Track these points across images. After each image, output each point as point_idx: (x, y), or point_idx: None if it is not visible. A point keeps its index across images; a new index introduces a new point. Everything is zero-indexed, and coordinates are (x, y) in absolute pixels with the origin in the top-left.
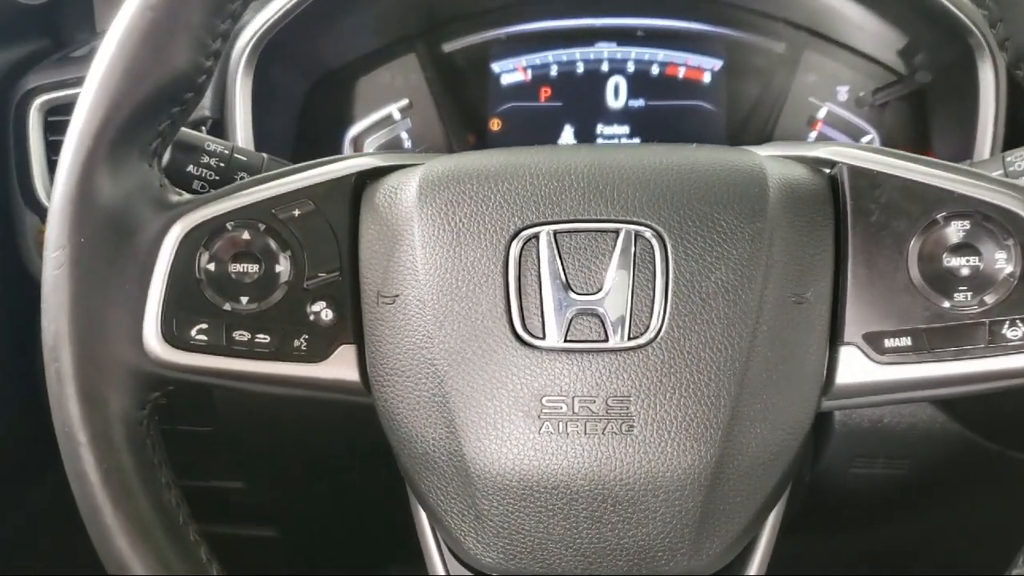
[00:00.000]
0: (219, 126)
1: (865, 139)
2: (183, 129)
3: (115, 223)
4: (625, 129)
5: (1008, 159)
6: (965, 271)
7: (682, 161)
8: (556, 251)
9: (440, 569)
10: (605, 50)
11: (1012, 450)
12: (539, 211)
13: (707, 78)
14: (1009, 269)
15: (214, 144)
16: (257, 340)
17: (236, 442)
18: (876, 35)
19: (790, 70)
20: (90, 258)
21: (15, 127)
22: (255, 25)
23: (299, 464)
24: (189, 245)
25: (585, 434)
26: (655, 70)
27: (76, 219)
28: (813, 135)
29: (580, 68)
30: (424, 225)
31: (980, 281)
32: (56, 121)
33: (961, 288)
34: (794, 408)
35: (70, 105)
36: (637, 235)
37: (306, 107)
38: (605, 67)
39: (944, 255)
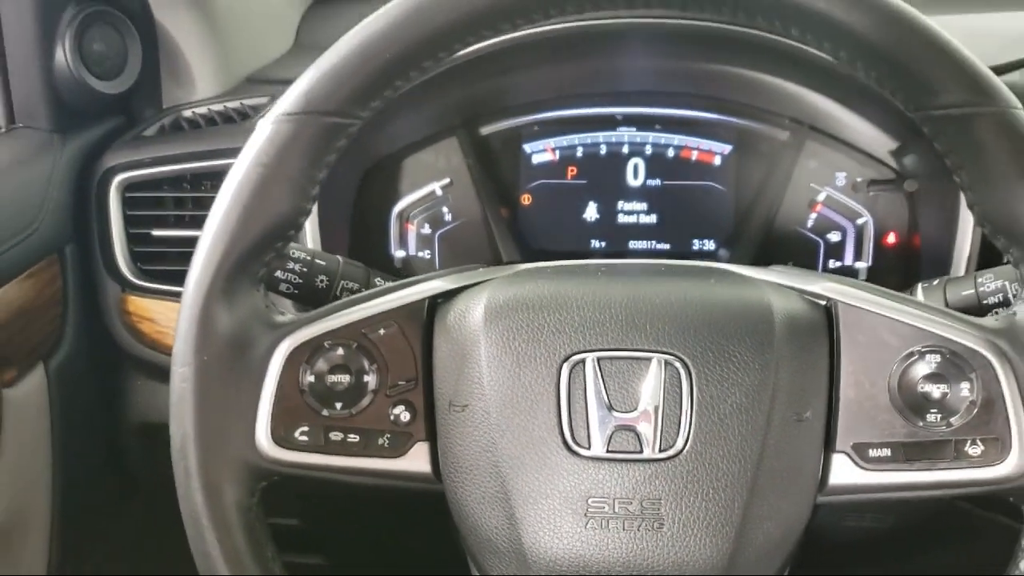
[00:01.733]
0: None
1: (859, 221)
2: None
3: (231, 343)
4: (643, 206)
5: (979, 280)
6: (936, 396)
7: (704, 296)
8: (599, 374)
9: None
10: (626, 134)
11: (979, 510)
12: (586, 340)
13: (717, 161)
14: (972, 397)
15: (297, 252)
16: (348, 440)
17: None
18: (870, 135)
19: (793, 157)
20: (210, 373)
21: (97, 203)
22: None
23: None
24: (294, 361)
25: (624, 530)
26: (670, 153)
27: (199, 342)
28: (813, 216)
29: (603, 150)
30: (489, 347)
31: (948, 405)
32: (133, 197)
33: (932, 410)
34: (795, 506)
35: (145, 183)
36: (667, 363)
37: (360, 189)
38: (625, 149)
39: (919, 382)
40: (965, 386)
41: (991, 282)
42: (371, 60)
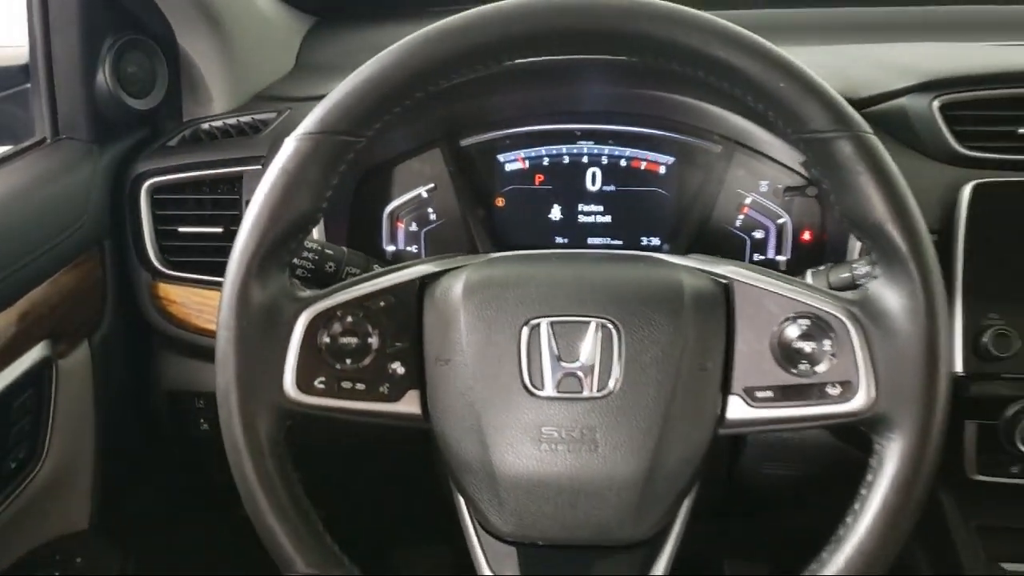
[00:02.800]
0: None
1: (779, 221)
2: None
3: (264, 312)
4: (600, 208)
5: (854, 265)
6: (806, 350)
7: (633, 276)
8: (551, 334)
9: (473, 537)
10: (585, 147)
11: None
12: (541, 309)
13: (662, 170)
14: (831, 350)
15: (310, 243)
16: (356, 387)
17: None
18: (783, 150)
19: (724, 167)
20: (248, 335)
21: (130, 204)
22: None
23: (351, 456)
24: (313, 326)
25: (569, 451)
26: (623, 163)
27: (239, 310)
28: (741, 217)
29: (566, 160)
30: (466, 315)
31: (814, 357)
32: (160, 199)
33: (803, 361)
34: (699, 435)
35: (171, 186)
36: (602, 326)
37: (357, 191)
38: (585, 160)
39: (793, 340)
40: (827, 342)
41: (862, 267)
42: (373, 92)
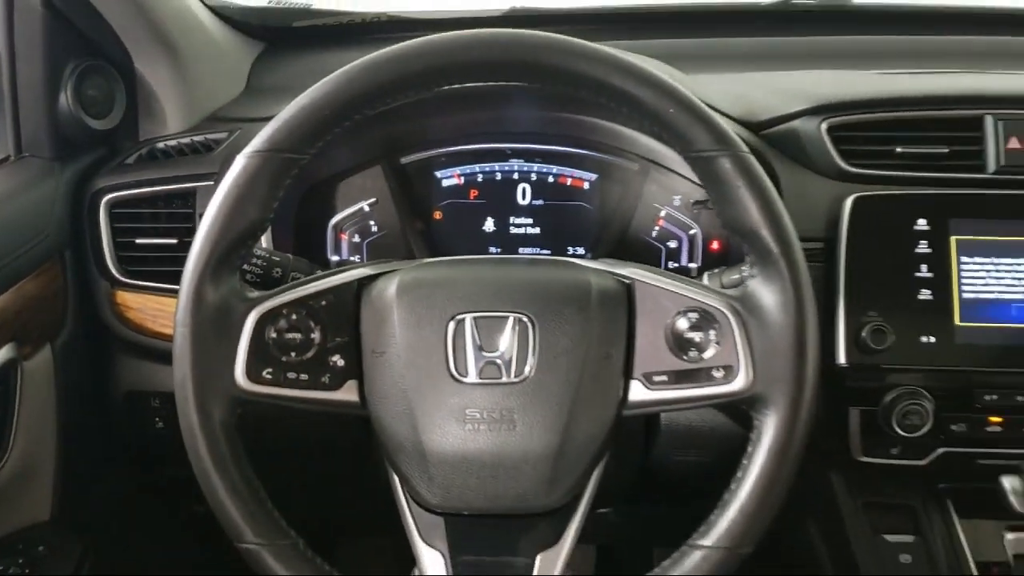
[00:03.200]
0: None
1: (691, 232)
2: None
3: (216, 311)
4: (530, 220)
5: (743, 267)
6: (695, 339)
7: (547, 277)
8: (475, 327)
9: (406, 510)
10: (516, 165)
11: None
12: (466, 305)
13: (586, 185)
14: (716, 339)
15: (258, 251)
16: (300, 378)
17: None
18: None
19: (641, 182)
20: (202, 332)
21: (89, 217)
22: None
23: (293, 451)
24: (261, 324)
25: (490, 431)
26: (550, 179)
27: (194, 309)
28: (657, 228)
29: (498, 176)
30: (399, 311)
31: (702, 345)
32: (118, 212)
33: (692, 349)
34: (605, 414)
35: (128, 201)
36: (519, 320)
37: (302, 204)
38: (516, 176)
39: (684, 331)
40: (712, 332)
41: (746, 269)
42: (315, 114)
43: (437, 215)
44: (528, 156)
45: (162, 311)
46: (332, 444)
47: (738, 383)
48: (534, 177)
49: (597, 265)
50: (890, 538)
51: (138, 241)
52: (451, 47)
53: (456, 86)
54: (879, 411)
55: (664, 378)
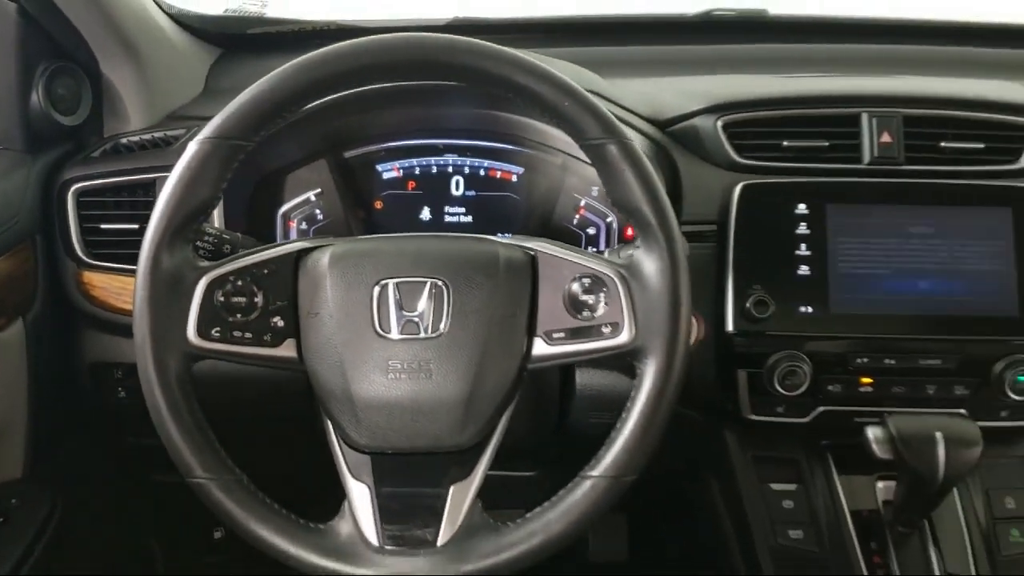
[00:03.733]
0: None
1: (608, 219)
2: None
3: (171, 277)
4: (463, 210)
5: (635, 243)
6: (588, 301)
7: (461, 248)
8: (397, 291)
9: (338, 450)
10: (450, 159)
11: (681, 407)
12: (389, 272)
13: (514, 178)
14: (605, 301)
15: (211, 230)
16: (245, 336)
17: None
18: None
19: (563, 175)
20: (158, 295)
21: (58, 204)
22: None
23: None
24: (210, 288)
25: (409, 379)
26: (482, 172)
27: (151, 276)
28: (577, 216)
29: (434, 170)
30: (331, 277)
31: (593, 306)
32: (84, 200)
33: (585, 310)
34: (510, 365)
35: (94, 190)
36: (435, 284)
37: (254, 194)
38: (450, 169)
39: (579, 293)
40: (602, 295)
41: (634, 242)
42: (258, 107)
43: (378, 204)
44: (461, 151)
45: (124, 289)
46: (276, 408)
47: (623, 337)
48: (467, 170)
49: (507, 240)
50: (775, 486)
51: (102, 226)
52: (378, 49)
53: (388, 84)
54: (763, 373)
55: (562, 335)
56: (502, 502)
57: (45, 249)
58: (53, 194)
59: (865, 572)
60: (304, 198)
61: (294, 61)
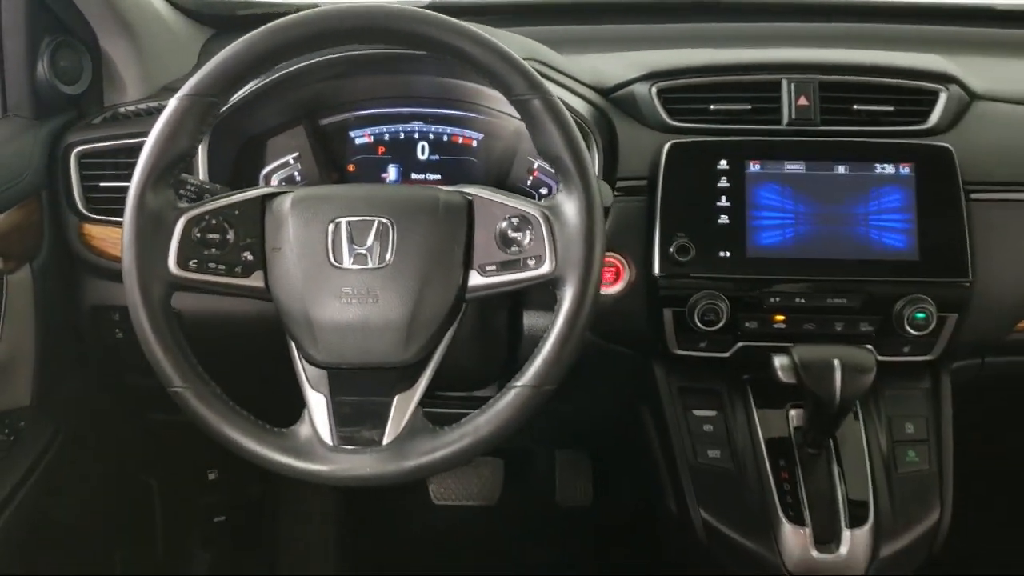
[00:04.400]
0: (191, 168)
1: (559, 182)
2: None
3: (154, 215)
4: (428, 173)
5: (557, 187)
6: (516, 238)
7: (407, 193)
8: (349, 228)
9: (299, 366)
10: (416, 126)
11: (614, 344)
12: (342, 211)
13: (474, 143)
14: (531, 237)
15: (192, 180)
16: (219, 267)
17: None
18: None
19: (518, 140)
20: (143, 231)
21: (62, 165)
22: None
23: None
24: (188, 226)
25: (360, 304)
26: (445, 138)
27: (136, 214)
28: (531, 179)
29: (402, 136)
30: (292, 217)
31: (520, 242)
32: (86, 162)
33: (514, 245)
34: (448, 293)
35: (94, 153)
36: (381, 222)
37: (238, 157)
38: (416, 135)
39: (508, 231)
40: (528, 232)
41: (557, 186)
42: (230, 68)
43: (351, 168)
44: (426, 119)
45: (121, 240)
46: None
47: (545, 268)
48: (431, 136)
49: (448, 187)
50: (697, 413)
51: (101, 184)
52: (332, 15)
53: (357, 53)
54: (686, 311)
55: (493, 267)
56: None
57: (50, 204)
58: (58, 156)
59: (774, 486)
60: (283, 161)
61: (260, 28)
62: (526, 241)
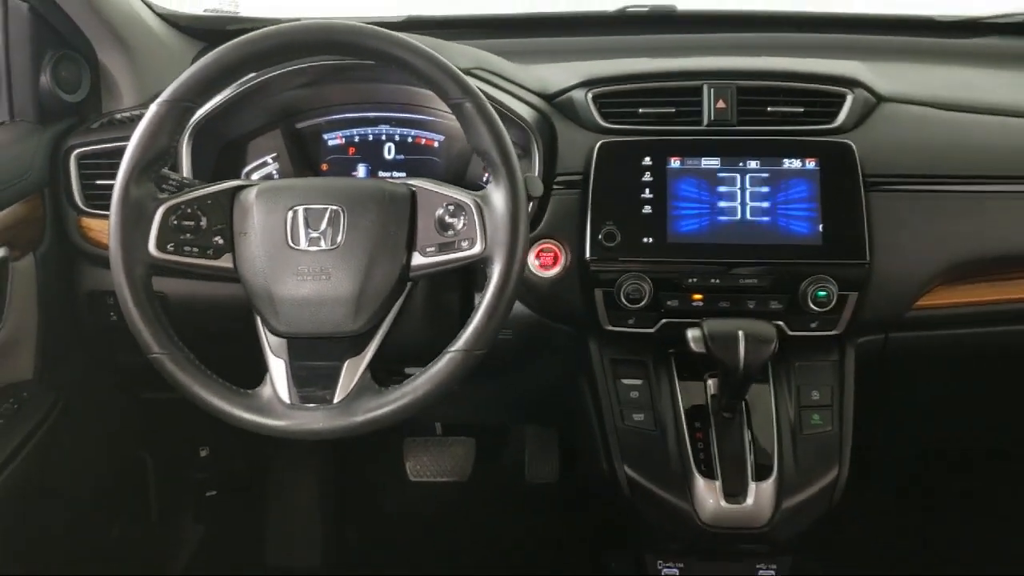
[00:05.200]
0: (176, 166)
1: None
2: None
3: (136, 204)
4: (393, 171)
5: (487, 179)
6: (452, 223)
7: (357, 184)
8: (305, 215)
9: (263, 335)
10: (384, 128)
11: (555, 322)
12: (300, 200)
13: (436, 144)
14: (464, 222)
15: (174, 176)
16: (193, 250)
17: None
18: None
19: None
20: (127, 218)
21: (63, 165)
22: (193, 119)
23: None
24: (167, 214)
25: (314, 280)
26: (410, 139)
27: (121, 204)
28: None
29: (370, 137)
30: (257, 206)
31: (455, 226)
32: (84, 162)
33: (450, 230)
34: (392, 273)
35: (92, 154)
36: (334, 209)
37: (219, 157)
38: (383, 137)
39: (445, 217)
40: (462, 217)
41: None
42: (202, 77)
43: (324, 167)
44: (392, 122)
45: None
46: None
47: (476, 248)
48: (397, 138)
49: (395, 180)
50: (625, 381)
51: (97, 182)
52: (292, 31)
53: (310, 60)
54: (614, 291)
55: (432, 249)
56: None
57: (52, 200)
58: (59, 157)
59: (690, 446)
60: (262, 161)
61: (228, 43)
62: (460, 226)
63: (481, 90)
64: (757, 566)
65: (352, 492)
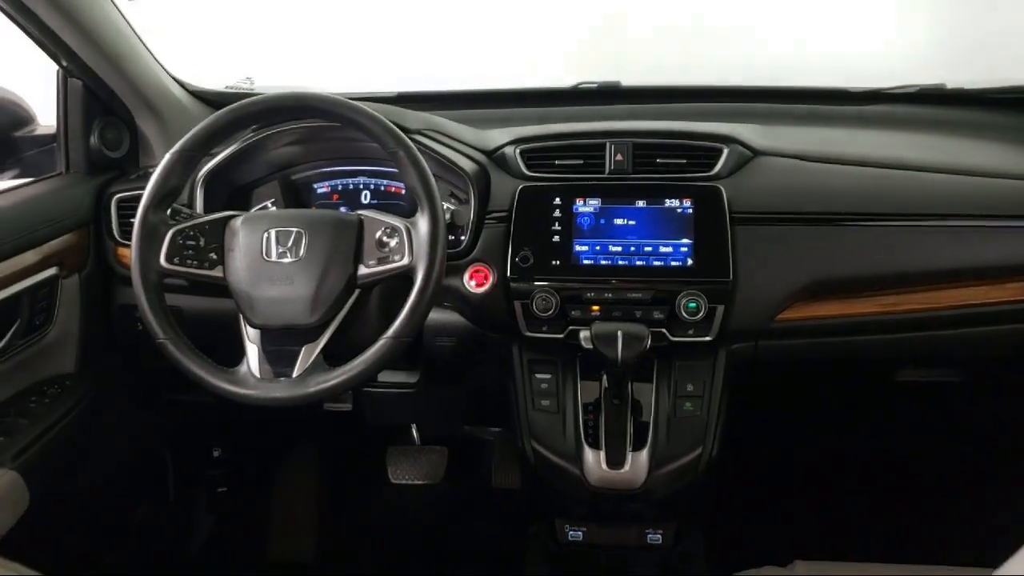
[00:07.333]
0: (192, 204)
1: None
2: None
3: (152, 228)
4: None
5: (418, 211)
6: (389, 243)
7: (317, 214)
8: (276, 236)
9: (243, 326)
10: (362, 179)
11: (487, 330)
12: (272, 225)
13: (403, 191)
14: (398, 241)
15: (186, 210)
16: (193, 263)
17: None
18: None
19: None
20: (144, 238)
21: (105, 207)
22: (205, 168)
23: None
24: (175, 236)
25: (283, 285)
26: (382, 188)
27: (141, 228)
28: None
29: (351, 186)
30: (242, 230)
31: (391, 244)
32: (123, 205)
33: (386, 247)
34: (340, 279)
35: (130, 199)
36: (297, 231)
37: (228, 201)
38: (361, 186)
39: (383, 238)
40: (396, 238)
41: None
42: (204, 134)
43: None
44: (368, 174)
45: None
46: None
47: (405, 261)
48: (372, 187)
49: (348, 211)
50: (537, 375)
51: (131, 220)
52: (273, 99)
53: (317, 125)
54: (530, 302)
55: (373, 262)
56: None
57: (95, 233)
58: (103, 201)
59: (582, 425)
60: (263, 205)
61: (224, 108)
62: (394, 244)
63: (428, 146)
64: (646, 531)
65: (343, 492)
